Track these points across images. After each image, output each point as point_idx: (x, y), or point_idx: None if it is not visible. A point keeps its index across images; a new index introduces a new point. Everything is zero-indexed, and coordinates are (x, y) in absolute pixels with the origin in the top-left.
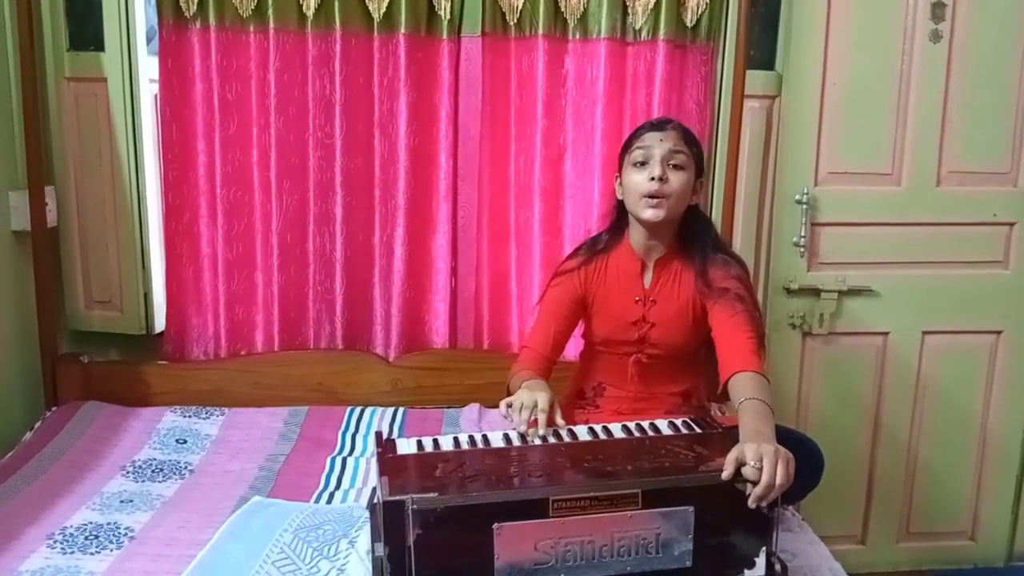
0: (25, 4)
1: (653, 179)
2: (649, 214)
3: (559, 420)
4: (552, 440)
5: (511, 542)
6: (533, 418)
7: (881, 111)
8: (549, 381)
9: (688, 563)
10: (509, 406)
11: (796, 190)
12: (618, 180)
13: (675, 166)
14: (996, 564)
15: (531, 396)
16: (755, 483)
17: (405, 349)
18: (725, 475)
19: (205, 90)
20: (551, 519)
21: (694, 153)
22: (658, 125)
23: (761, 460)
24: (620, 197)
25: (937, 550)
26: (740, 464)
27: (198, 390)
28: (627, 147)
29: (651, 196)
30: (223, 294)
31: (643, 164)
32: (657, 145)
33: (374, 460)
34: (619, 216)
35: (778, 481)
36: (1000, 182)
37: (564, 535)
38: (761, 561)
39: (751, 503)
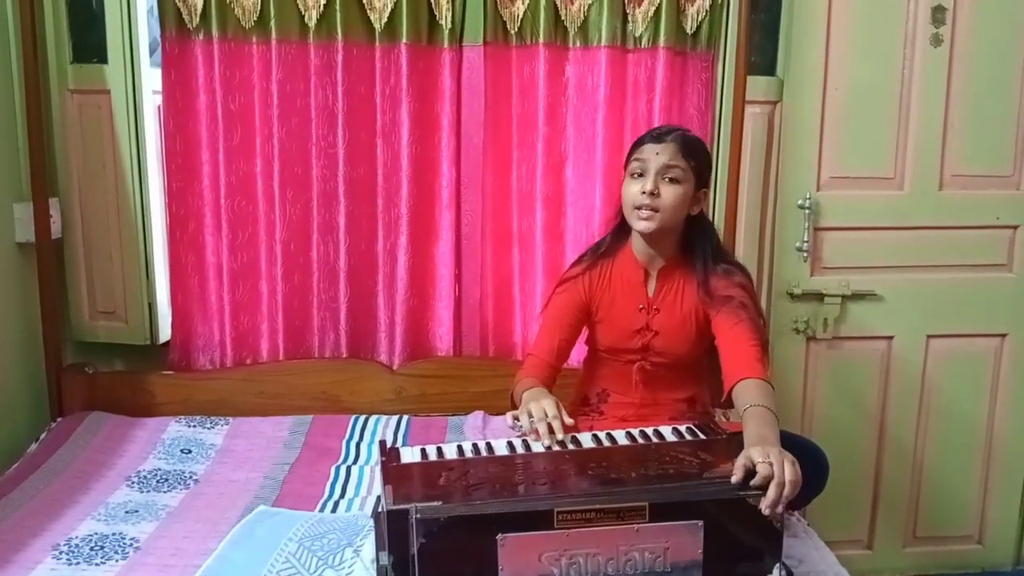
0: (29, 16)
1: (644, 192)
2: (641, 226)
3: (567, 419)
4: (556, 448)
5: (515, 553)
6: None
7: (883, 115)
8: (554, 388)
9: None
10: (516, 419)
11: (798, 195)
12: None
13: (670, 179)
14: (1004, 568)
15: (539, 406)
16: (764, 488)
17: (409, 357)
18: (735, 479)
19: (208, 101)
20: (556, 531)
21: (693, 166)
22: (657, 137)
23: (769, 457)
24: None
25: (944, 554)
26: (748, 470)
27: (202, 400)
28: (629, 155)
29: (641, 208)
30: (228, 303)
31: (640, 175)
32: (653, 158)
33: (378, 469)
34: (624, 221)
35: (788, 477)
36: (1003, 185)
37: (569, 547)
38: None
39: (765, 508)
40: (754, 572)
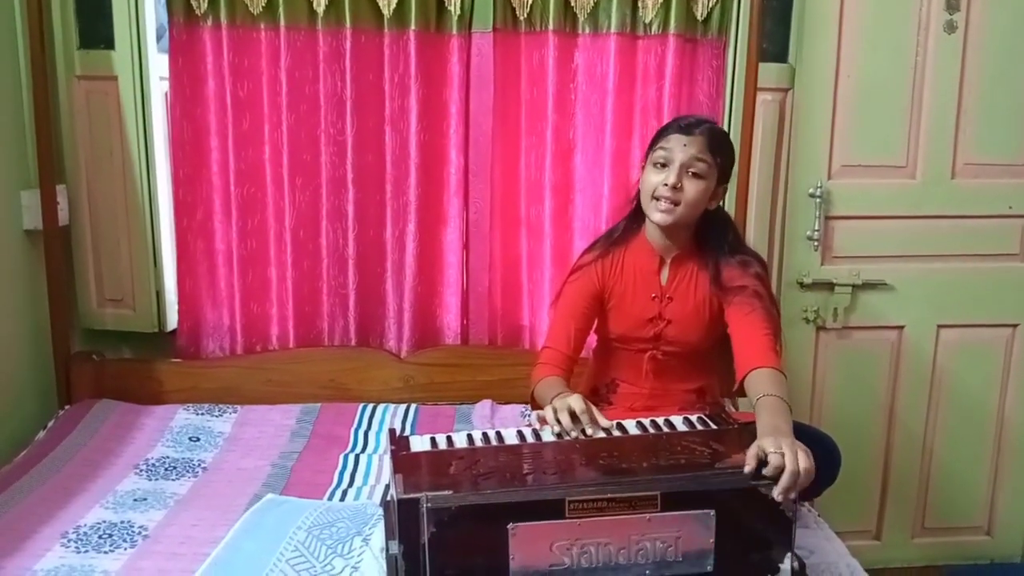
0: (35, 3)
1: (667, 184)
2: (658, 217)
3: (601, 420)
4: (567, 437)
5: (526, 543)
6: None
7: (895, 103)
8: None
9: (709, 568)
10: (544, 420)
11: (810, 184)
12: (643, 171)
13: (694, 174)
14: (1013, 559)
15: (563, 402)
16: (776, 479)
17: (417, 343)
18: (748, 469)
19: (217, 87)
20: (567, 520)
21: (719, 162)
22: (686, 128)
23: (781, 448)
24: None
25: (953, 545)
26: (760, 460)
27: (211, 388)
28: (654, 142)
29: (661, 199)
30: (238, 290)
31: (663, 166)
32: (680, 150)
33: (388, 457)
34: (638, 207)
35: (802, 465)
36: (1016, 174)
37: (581, 537)
38: (786, 567)
39: (777, 495)
40: (766, 561)
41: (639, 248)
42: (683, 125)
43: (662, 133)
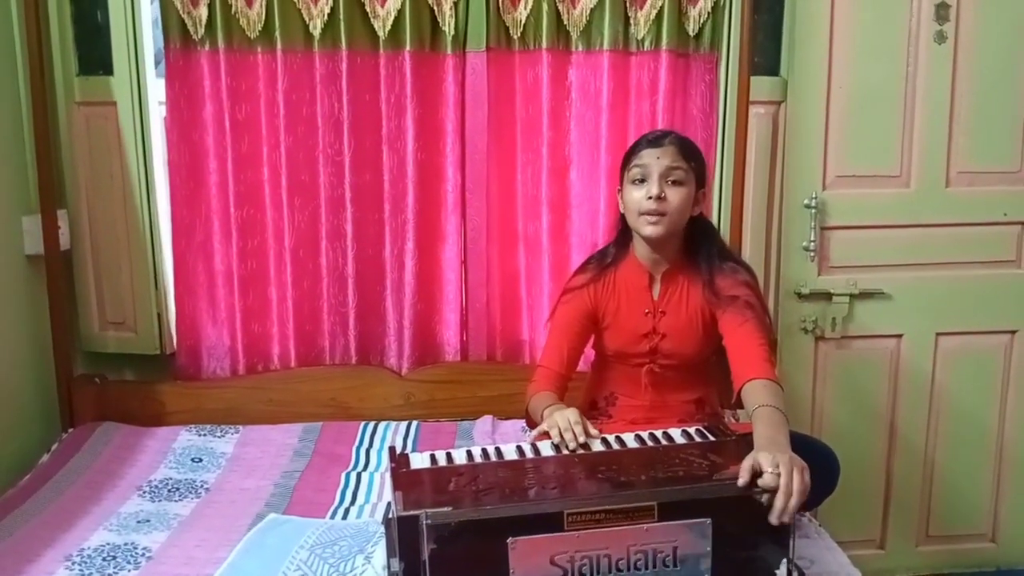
0: (35, 30)
1: (651, 197)
2: (649, 231)
3: (592, 430)
4: (566, 452)
5: (526, 556)
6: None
7: (888, 113)
8: (564, 395)
9: (706, 574)
10: (541, 436)
11: (804, 195)
12: (620, 194)
13: (673, 182)
14: (1018, 566)
15: (563, 416)
16: (773, 491)
17: (418, 361)
18: (741, 482)
19: (215, 111)
20: (566, 532)
21: (693, 167)
22: (654, 141)
23: (778, 467)
24: (623, 211)
25: (957, 553)
26: (755, 472)
27: (213, 408)
28: (626, 163)
29: (649, 213)
30: (239, 310)
31: (641, 181)
32: (654, 163)
33: (388, 475)
34: (624, 228)
35: (796, 487)
36: (1010, 181)
37: (580, 549)
38: (782, 572)
39: (774, 519)
40: (763, 568)
41: (629, 266)
42: (651, 139)
43: (633, 151)
